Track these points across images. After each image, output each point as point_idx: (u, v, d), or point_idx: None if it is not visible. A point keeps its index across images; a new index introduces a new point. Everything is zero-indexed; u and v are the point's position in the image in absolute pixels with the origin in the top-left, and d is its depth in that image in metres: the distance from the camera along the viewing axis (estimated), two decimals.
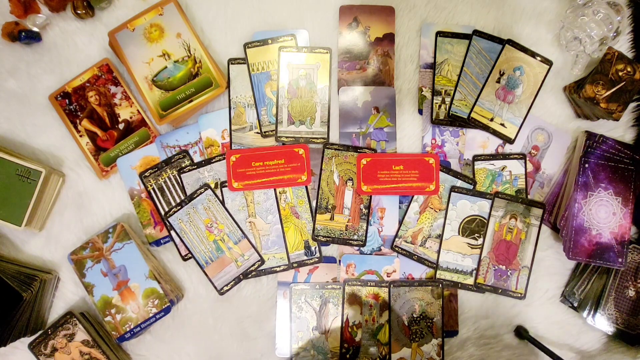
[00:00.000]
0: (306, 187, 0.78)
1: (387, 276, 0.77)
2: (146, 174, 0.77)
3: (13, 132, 0.80)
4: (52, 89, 0.79)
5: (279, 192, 0.78)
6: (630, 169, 0.76)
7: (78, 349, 0.73)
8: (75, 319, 0.73)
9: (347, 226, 0.77)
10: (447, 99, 0.79)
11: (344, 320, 0.76)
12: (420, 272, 0.78)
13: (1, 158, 0.74)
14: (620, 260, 0.74)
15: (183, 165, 0.78)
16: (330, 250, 0.79)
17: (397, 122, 0.80)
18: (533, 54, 0.78)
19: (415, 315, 0.76)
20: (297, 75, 0.79)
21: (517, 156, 0.78)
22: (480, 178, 0.78)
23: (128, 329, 0.74)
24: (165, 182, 0.78)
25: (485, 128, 0.78)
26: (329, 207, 0.77)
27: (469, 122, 0.78)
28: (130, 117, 0.79)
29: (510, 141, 0.78)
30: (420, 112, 0.81)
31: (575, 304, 0.77)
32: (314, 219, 0.77)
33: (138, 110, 0.79)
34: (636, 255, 0.77)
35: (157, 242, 0.78)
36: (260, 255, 0.76)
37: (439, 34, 0.80)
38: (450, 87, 0.79)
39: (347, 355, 0.76)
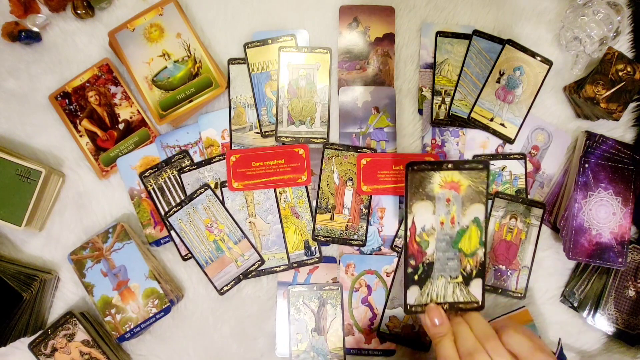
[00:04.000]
0: (306, 187, 0.78)
1: (387, 276, 0.76)
2: (146, 174, 0.77)
3: (13, 132, 0.80)
4: (52, 89, 0.79)
5: (279, 192, 0.78)
6: (630, 169, 0.76)
7: (78, 349, 0.73)
8: (75, 319, 0.73)
9: (347, 226, 0.77)
10: (447, 99, 0.79)
11: (409, 227, 0.54)
12: None
13: (1, 158, 0.74)
14: (620, 260, 0.74)
15: (183, 165, 0.78)
16: (330, 250, 0.79)
17: (397, 122, 0.80)
18: (533, 54, 0.78)
19: None
20: (297, 75, 0.79)
21: (517, 156, 0.78)
22: None
23: (128, 329, 0.74)
24: (165, 182, 0.78)
25: (485, 128, 0.78)
26: (329, 207, 0.77)
27: (469, 122, 0.78)
28: (130, 117, 0.79)
29: (510, 141, 0.78)
30: (420, 112, 0.81)
31: (575, 304, 0.77)
32: (314, 219, 0.77)
33: (138, 110, 0.79)
34: (636, 255, 0.77)
35: (157, 242, 0.78)
36: (260, 255, 0.76)
37: (439, 34, 0.80)
38: (450, 87, 0.79)
39: (415, 277, 0.56)
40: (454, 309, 0.58)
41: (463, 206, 0.57)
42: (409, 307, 0.58)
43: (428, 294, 0.58)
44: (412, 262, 0.56)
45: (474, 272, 0.58)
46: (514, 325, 0.55)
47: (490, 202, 0.76)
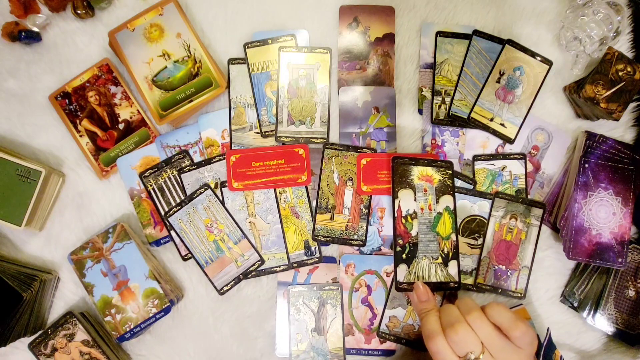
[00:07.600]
0: (306, 187, 0.78)
1: (387, 276, 0.77)
2: (146, 174, 0.77)
3: (13, 132, 0.80)
4: (52, 89, 0.79)
5: (279, 192, 0.78)
6: (630, 169, 0.76)
7: (78, 349, 0.73)
8: (75, 319, 0.73)
9: (347, 226, 0.77)
10: (447, 99, 0.79)
11: (396, 209, 0.66)
12: None
13: (1, 158, 0.74)
14: (620, 260, 0.74)
15: (183, 165, 0.78)
16: (330, 250, 0.79)
17: (397, 122, 0.80)
18: (533, 54, 0.78)
19: None
20: (297, 75, 0.79)
21: (517, 156, 0.78)
22: (480, 178, 0.78)
23: (128, 329, 0.74)
24: (165, 182, 0.78)
25: (485, 128, 0.78)
26: (329, 207, 0.77)
27: (469, 122, 0.78)
28: (130, 117, 0.79)
29: (510, 141, 0.78)
30: (420, 112, 0.81)
31: (575, 304, 0.77)
32: (314, 219, 0.77)
33: (138, 110, 0.79)
34: (636, 255, 0.77)
35: (157, 242, 0.78)
36: (260, 255, 0.76)
37: (439, 34, 0.80)
38: (450, 87, 0.79)
39: (403, 255, 0.67)
40: (439, 290, 0.68)
41: (436, 196, 0.69)
42: (399, 284, 0.68)
43: (415, 273, 0.68)
44: (400, 242, 0.66)
45: (450, 254, 0.69)
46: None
47: (490, 202, 0.77)
